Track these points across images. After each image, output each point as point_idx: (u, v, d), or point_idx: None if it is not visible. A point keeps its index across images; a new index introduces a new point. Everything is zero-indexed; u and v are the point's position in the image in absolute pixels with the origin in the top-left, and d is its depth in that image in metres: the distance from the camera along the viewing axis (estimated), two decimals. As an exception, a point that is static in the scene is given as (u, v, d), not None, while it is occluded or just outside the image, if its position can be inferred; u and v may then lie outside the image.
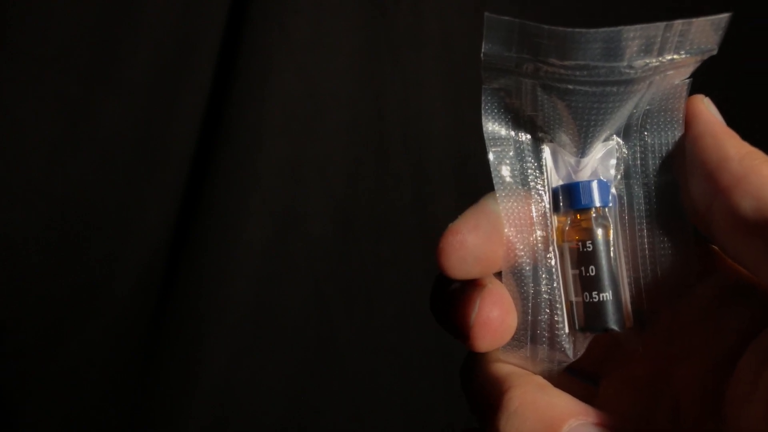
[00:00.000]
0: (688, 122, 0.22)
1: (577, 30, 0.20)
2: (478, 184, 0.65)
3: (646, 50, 0.20)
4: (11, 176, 0.56)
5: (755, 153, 0.21)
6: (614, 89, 0.21)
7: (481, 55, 0.22)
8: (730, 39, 0.21)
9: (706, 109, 0.22)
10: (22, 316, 0.57)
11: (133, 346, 0.60)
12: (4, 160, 0.56)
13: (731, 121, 0.22)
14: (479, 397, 0.24)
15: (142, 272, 0.60)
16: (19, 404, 0.58)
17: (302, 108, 0.62)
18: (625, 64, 0.20)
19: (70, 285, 0.58)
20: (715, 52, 0.21)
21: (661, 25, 0.20)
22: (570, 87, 0.21)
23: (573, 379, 0.26)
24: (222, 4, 0.60)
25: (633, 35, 0.20)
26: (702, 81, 0.23)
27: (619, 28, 0.20)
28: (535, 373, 0.24)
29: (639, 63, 0.20)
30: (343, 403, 0.63)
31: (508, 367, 0.24)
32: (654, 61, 0.20)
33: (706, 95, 0.23)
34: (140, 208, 0.60)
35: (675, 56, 0.21)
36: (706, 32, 0.21)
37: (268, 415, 0.62)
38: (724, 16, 0.21)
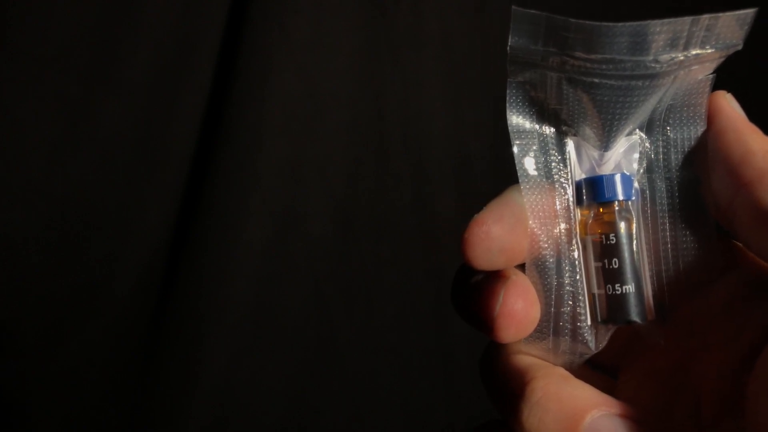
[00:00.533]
0: (711, 118, 0.22)
1: (604, 24, 0.20)
2: (478, 184, 0.65)
3: (672, 44, 0.20)
4: (11, 176, 0.56)
5: None
6: (640, 83, 0.21)
7: (508, 48, 0.22)
8: (752, 35, 0.21)
9: (729, 104, 0.22)
10: (22, 316, 0.57)
11: (133, 346, 0.60)
12: (4, 160, 0.56)
13: (753, 117, 0.22)
14: (501, 388, 0.24)
15: (142, 272, 0.60)
16: (19, 404, 0.58)
17: (302, 108, 0.62)
18: (651, 58, 0.20)
19: (70, 285, 0.58)
20: (740, 47, 0.21)
21: (688, 19, 0.20)
22: (596, 80, 0.21)
23: (592, 371, 0.26)
24: (222, 4, 0.60)
25: (660, 29, 0.20)
26: (723, 77, 0.23)
27: (647, 22, 0.20)
28: (557, 365, 0.24)
29: (665, 57, 0.20)
30: (343, 403, 0.63)
31: (529, 359, 0.24)
32: (680, 55, 0.21)
33: (729, 91, 0.23)
34: (140, 208, 0.60)
35: (700, 51, 0.21)
36: (731, 27, 0.21)
37: (268, 415, 0.62)
38: (750, 12, 0.21)
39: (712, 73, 0.22)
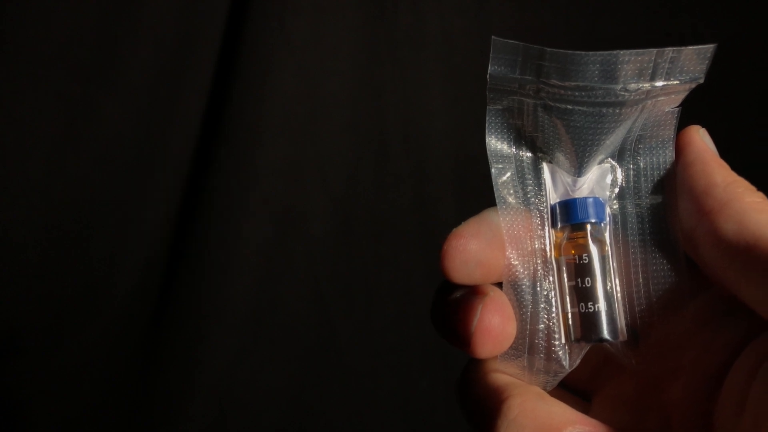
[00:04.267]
0: (682, 149, 0.23)
1: (577, 52, 0.21)
2: (478, 184, 0.65)
3: (640, 74, 0.21)
4: (11, 176, 0.56)
5: (740, 181, 0.22)
6: (610, 110, 0.22)
7: (487, 76, 0.23)
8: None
9: (701, 138, 0.23)
10: (22, 316, 0.57)
11: (133, 346, 0.60)
12: (4, 160, 0.56)
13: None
14: (477, 407, 0.24)
15: (142, 272, 0.60)
16: (20, 404, 0.58)
17: (302, 108, 0.62)
18: (620, 86, 0.21)
19: (70, 285, 0.58)
20: (702, 81, 0.22)
21: (653, 51, 0.21)
22: (569, 107, 0.22)
23: (567, 394, 0.26)
24: (222, 4, 0.60)
25: (628, 59, 0.21)
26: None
27: (615, 51, 0.21)
28: (532, 385, 0.24)
29: (632, 86, 0.22)
30: (343, 403, 0.63)
31: (505, 378, 0.24)
32: (646, 85, 0.22)
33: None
34: (140, 208, 0.60)
35: (665, 82, 0.22)
36: (693, 61, 0.22)
37: (268, 415, 0.62)
38: (710, 47, 0.22)
39: (678, 106, 0.23)
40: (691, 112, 0.24)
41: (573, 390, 0.27)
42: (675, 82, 0.22)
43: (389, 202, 0.65)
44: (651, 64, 0.21)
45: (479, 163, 0.68)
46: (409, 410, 0.64)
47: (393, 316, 0.64)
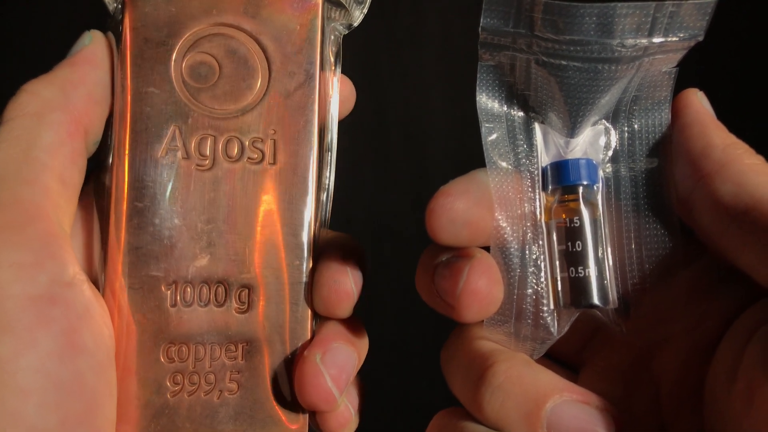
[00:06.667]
0: (679, 111, 0.23)
1: (572, 4, 0.20)
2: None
3: (637, 29, 0.21)
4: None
5: (739, 143, 0.21)
6: (606, 67, 0.21)
7: (479, 29, 0.22)
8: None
9: (699, 101, 0.23)
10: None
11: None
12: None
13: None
14: (461, 375, 0.23)
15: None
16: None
17: (302, 108, 0.62)
18: (616, 41, 0.21)
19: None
20: (701, 39, 0.22)
21: (652, 4, 0.20)
22: (563, 63, 0.21)
23: (554, 365, 0.25)
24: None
25: (625, 12, 0.20)
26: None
27: (613, 3, 0.20)
28: (518, 352, 0.24)
29: (630, 42, 0.21)
30: (343, 403, 0.63)
31: (491, 344, 0.24)
32: (644, 41, 0.21)
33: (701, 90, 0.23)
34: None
35: (663, 39, 0.21)
36: (693, 16, 0.21)
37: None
38: (711, 1, 0.21)
39: (675, 66, 0.23)
40: (688, 78, 0.24)
41: (559, 362, 0.26)
42: (673, 39, 0.21)
43: (389, 202, 0.65)
44: (649, 19, 0.21)
45: (479, 163, 0.68)
46: (409, 410, 0.64)
47: (393, 316, 0.64)
